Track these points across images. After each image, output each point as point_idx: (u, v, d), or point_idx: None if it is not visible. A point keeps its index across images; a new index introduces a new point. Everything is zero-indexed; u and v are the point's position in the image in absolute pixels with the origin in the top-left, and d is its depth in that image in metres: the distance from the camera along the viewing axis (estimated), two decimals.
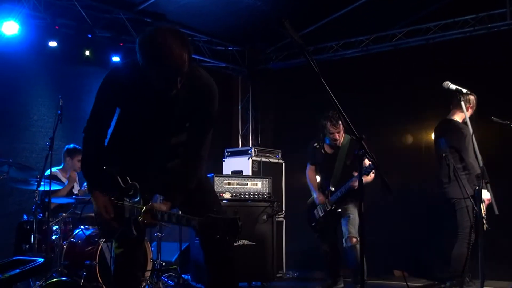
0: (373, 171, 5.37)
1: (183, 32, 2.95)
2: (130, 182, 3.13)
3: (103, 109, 3.21)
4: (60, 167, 6.72)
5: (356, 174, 5.73)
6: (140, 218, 2.99)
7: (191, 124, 3.22)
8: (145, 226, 3.07)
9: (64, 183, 6.47)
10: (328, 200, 6.04)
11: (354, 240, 5.79)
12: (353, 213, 5.91)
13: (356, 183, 5.68)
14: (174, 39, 2.83)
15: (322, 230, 6.17)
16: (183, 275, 6.66)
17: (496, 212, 4.45)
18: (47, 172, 5.78)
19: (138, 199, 3.07)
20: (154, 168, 3.25)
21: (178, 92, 3.02)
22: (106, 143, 3.29)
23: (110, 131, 3.31)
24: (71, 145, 6.73)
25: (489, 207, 4.72)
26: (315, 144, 6.27)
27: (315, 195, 6.22)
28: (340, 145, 6.08)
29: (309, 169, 6.41)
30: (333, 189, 6.03)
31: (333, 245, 6.18)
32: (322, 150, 6.23)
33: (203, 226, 2.82)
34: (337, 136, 5.99)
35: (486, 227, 4.56)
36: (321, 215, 6.10)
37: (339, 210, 5.99)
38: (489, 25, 7.45)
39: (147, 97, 3.09)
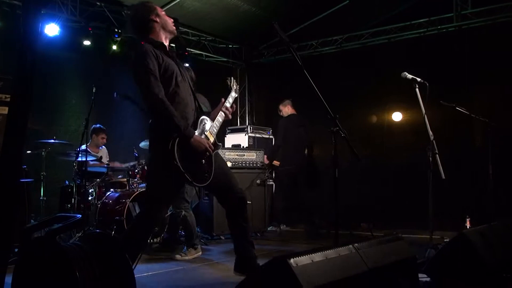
0: None
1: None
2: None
3: (154, 68, 3.15)
4: (88, 143, 6.68)
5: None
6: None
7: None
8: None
9: (92, 156, 6.39)
10: None
11: None
12: None
13: None
14: None
15: None
16: None
17: (443, 177, 4.47)
18: (83, 147, 5.77)
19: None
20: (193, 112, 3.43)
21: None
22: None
23: None
24: (97, 125, 6.70)
25: (437, 173, 4.72)
26: None
27: None
28: None
29: None
30: None
31: None
32: None
33: None
34: None
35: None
36: None
37: None
38: (439, 27, 7.42)
39: (168, 59, 3.33)
